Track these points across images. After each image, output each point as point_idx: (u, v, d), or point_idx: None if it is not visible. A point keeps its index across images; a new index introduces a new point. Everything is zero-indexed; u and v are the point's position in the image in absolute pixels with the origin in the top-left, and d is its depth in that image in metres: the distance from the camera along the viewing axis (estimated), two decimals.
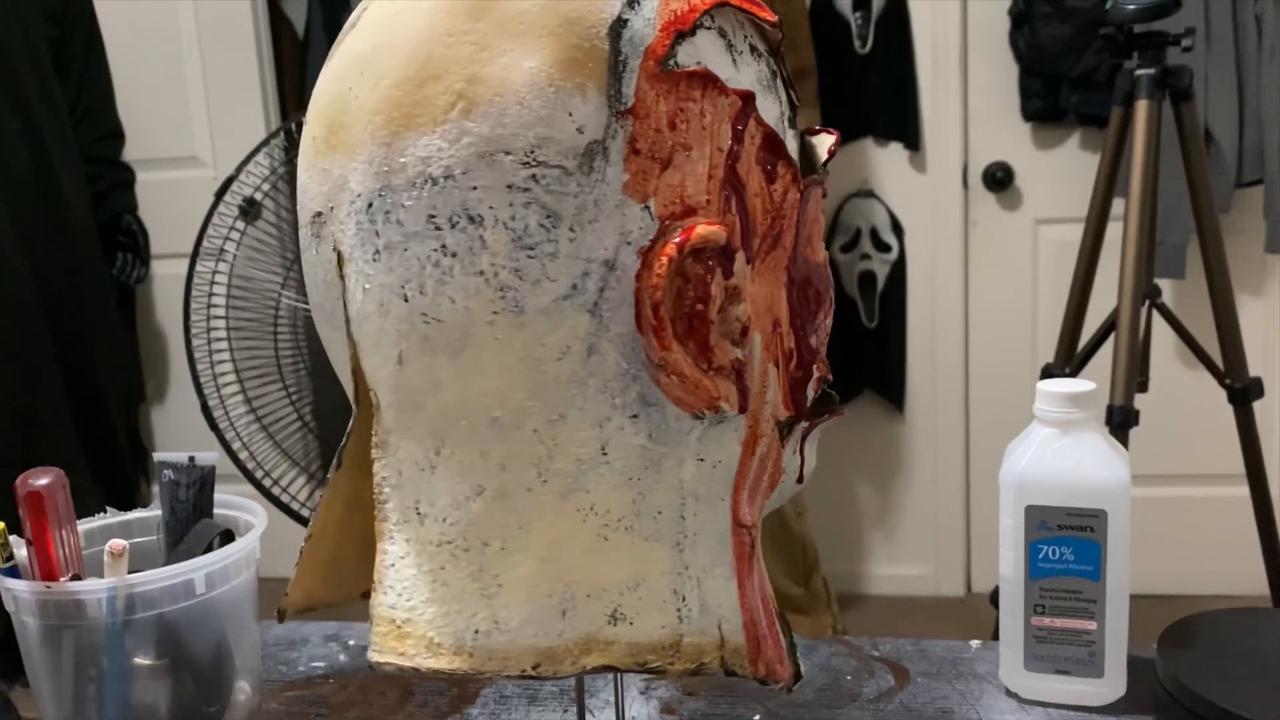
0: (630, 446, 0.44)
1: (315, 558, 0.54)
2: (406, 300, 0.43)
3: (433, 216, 0.42)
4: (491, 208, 0.42)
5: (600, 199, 0.42)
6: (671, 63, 0.43)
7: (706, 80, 0.43)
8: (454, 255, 0.42)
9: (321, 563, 0.54)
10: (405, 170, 0.42)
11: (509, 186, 0.42)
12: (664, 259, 0.42)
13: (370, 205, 0.43)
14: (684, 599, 0.45)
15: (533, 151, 0.41)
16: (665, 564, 0.45)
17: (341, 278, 0.45)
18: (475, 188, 0.42)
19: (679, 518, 0.45)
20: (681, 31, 0.43)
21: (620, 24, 0.42)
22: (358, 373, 0.46)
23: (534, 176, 0.42)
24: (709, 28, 0.45)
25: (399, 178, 0.43)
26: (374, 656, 0.45)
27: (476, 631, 0.44)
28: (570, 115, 0.41)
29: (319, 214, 0.46)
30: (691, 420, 0.44)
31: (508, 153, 0.42)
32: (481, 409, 0.44)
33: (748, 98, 0.44)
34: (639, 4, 0.43)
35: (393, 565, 0.45)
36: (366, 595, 0.55)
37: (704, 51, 0.44)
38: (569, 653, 0.44)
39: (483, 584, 0.44)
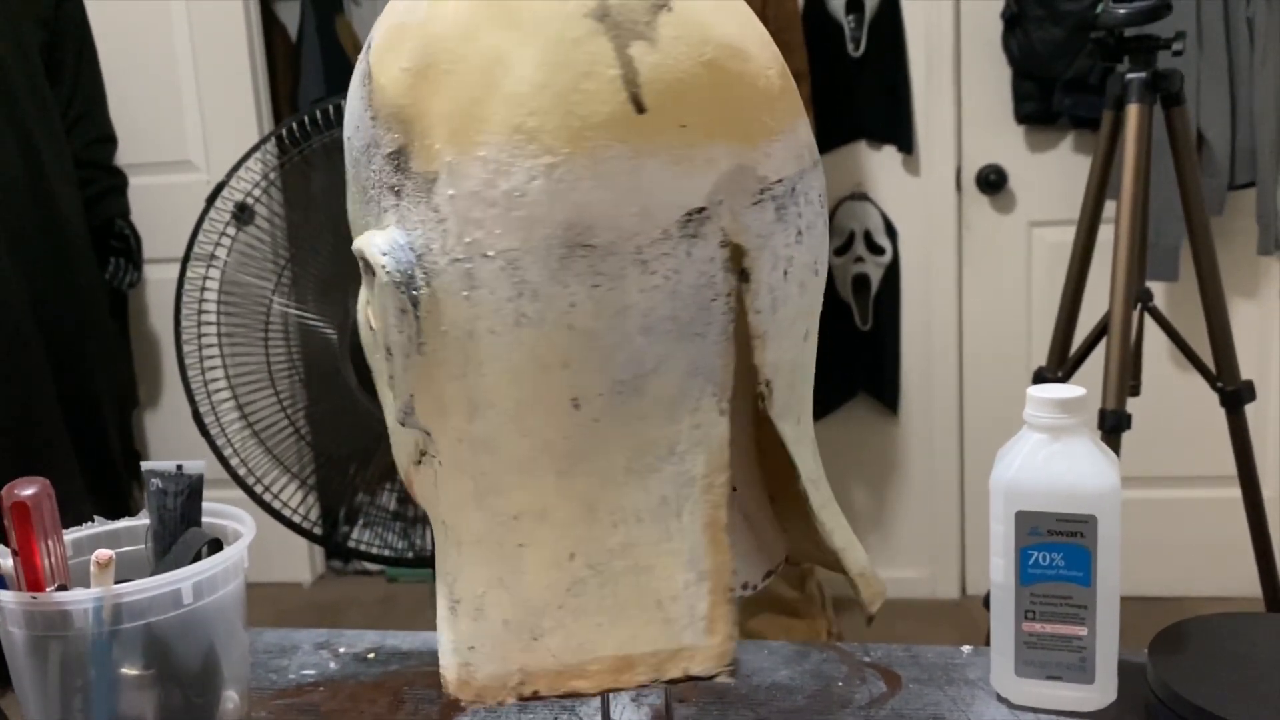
0: None
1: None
2: (816, 274, 0.47)
3: (821, 195, 0.47)
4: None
5: None
6: None
7: None
8: (826, 227, 0.48)
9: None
10: (807, 154, 0.47)
11: None
12: None
13: (794, 189, 0.46)
14: None
15: None
16: None
17: (741, 270, 0.44)
18: (820, 169, 0.48)
19: None
20: None
21: None
22: (741, 373, 0.46)
23: None
24: None
25: (806, 161, 0.47)
26: (873, 609, 0.51)
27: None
28: None
29: (699, 210, 0.43)
30: None
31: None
32: (811, 371, 0.49)
33: None
34: None
35: (849, 535, 0.51)
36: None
37: None
38: None
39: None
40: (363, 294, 0.53)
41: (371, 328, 0.50)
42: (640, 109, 0.42)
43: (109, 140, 2.08)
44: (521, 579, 0.46)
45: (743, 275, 0.44)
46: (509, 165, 0.42)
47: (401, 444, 0.51)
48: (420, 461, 0.49)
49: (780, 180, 0.45)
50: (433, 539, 0.52)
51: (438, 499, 0.48)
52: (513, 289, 0.43)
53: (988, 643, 0.68)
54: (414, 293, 0.44)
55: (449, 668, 0.47)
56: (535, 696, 0.46)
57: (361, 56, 0.48)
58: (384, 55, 0.45)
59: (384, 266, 0.44)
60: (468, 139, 0.42)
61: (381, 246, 0.44)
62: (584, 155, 0.42)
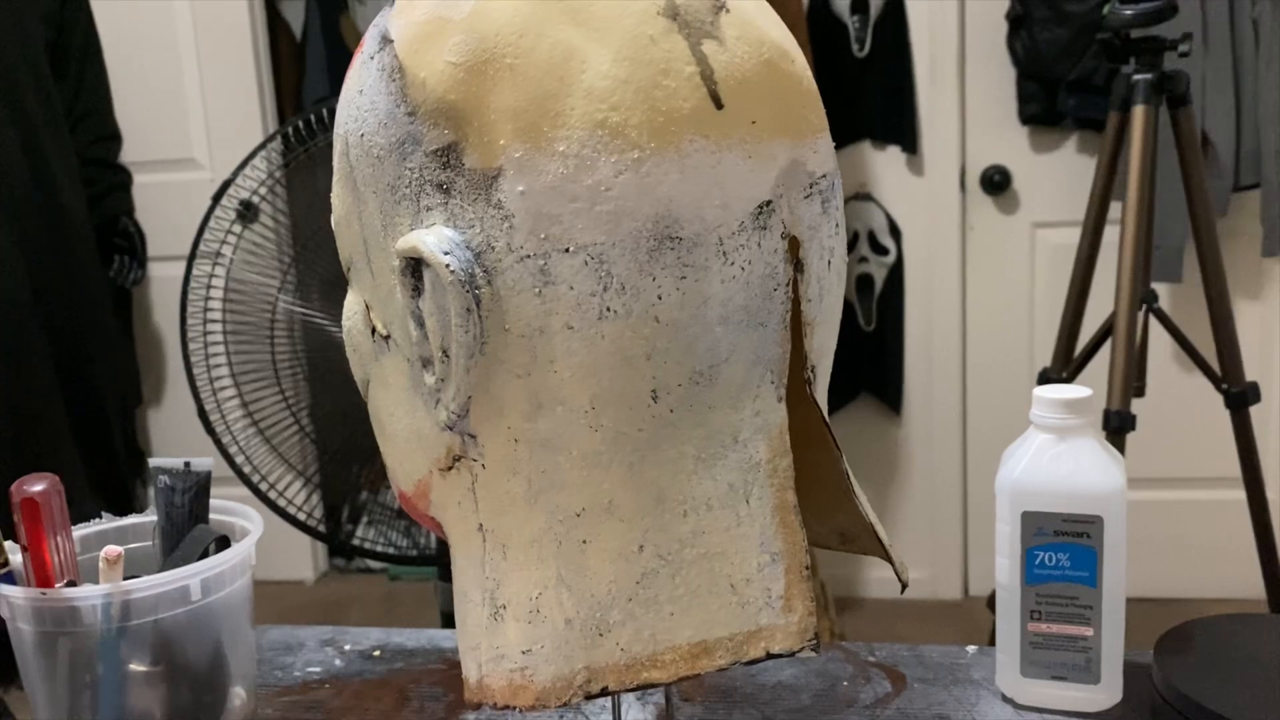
0: None
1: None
2: (844, 261, 0.49)
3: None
4: None
5: None
6: None
7: None
8: None
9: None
10: (834, 153, 0.49)
11: None
12: None
13: (833, 184, 0.48)
14: None
15: None
16: None
17: (796, 261, 0.46)
18: None
19: None
20: None
21: None
22: (796, 359, 0.48)
23: None
24: None
25: (836, 159, 0.49)
26: (907, 578, 0.53)
27: None
28: None
29: (767, 203, 0.45)
30: None
31: None
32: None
33: None
34: None
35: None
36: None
37: None
38: None
39: None
40: (353, 300, 0.51)
41: (385, 336, 0.48)
42: (719, 105, 0.43)
43: (113, 138, 2.08)
44: (585, 575, 0.46)
45: (798, 266, 0.46)
46: (592, 160, 0.42)
47: (418, 452, 0.49)
48: (451, 467, 0.48)
49: (824, 175, 0.47)
50: (439, 542, 0.51)
51: (475, 504, 0.47)
52: (597, 283, 0.43)
53: (992, 643, 0.68)
54: (476, 291, 0.43)
55: (495, 675, 0.46)
56: (604, 693, 0.45)
57: (372, 51, 0.47)
58: (421, 49, 0.44)
59: (447, 265, 0.43)
60: (541, 134, 0.42)
61: (440, 245, 0.43)
62: (670, 149, 0.43)
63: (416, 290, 0.44)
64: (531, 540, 0.46)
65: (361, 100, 0.47)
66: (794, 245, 0.46)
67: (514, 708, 0.46)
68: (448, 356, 0.44)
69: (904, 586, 0.52)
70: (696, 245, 0.43)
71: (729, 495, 0.46)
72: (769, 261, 0.45)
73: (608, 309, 0.43)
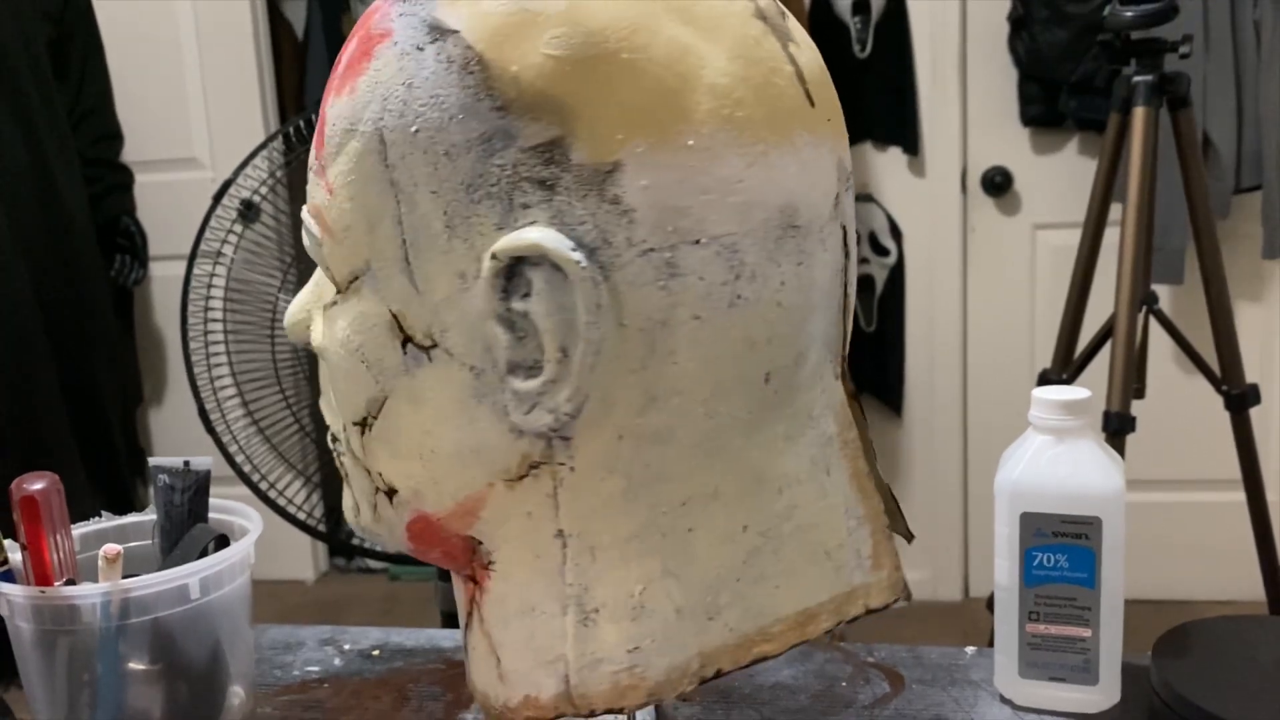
0: None
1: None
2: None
3: None
4: None
5: None
6: None
7: None
8: None
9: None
10: None
11: None
12: None
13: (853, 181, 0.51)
14: None
15: None
16: None
17: (846, 249, 0.49)
18: None
19: None
20: None
21: None
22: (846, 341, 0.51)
23: None
24: None
25: None
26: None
27: None
28: None
29: (838, 194, 0.48)
30: None
31: None
32: None
33: None
34: None
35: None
36: None
37: None
38: None
39: None
40: (367, 313, 0.47)
41: (427, 346, 0.45)
42: (812, 103, 0.46)
43: (115, 137, 2.08)
44: (692, 563, 0.46)
45: (846, 254, 0.49)
46: (721, 153, 0.43)
47: (473, 466, 0.47)
48: (524, 476, 0.46)
49: (852, 172, 0.50)
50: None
51: (554, 510, 0.46)
52: (728, 272, 0.44)
53: (991, 644, 0.68)
54: (600, 287, 0.43)
55: (593, 681, 0.46)
56: (718, 675, 0.46)
57: (419, 42, 0.44)
58: (508, 42, 0.43)
59: (578, 262, 0.42)
60: (666, 128, 0.43)
61: (563, 242, 0.42)
62: (787, 144, 0.45)
63: (507, 292, 0.43)
64: (629, 537, 0.46)
65: (412, 94, 0.44)
66: (844, 234, 0.49)
67: (618, 711, 0.46)
68: (567, 356, 0.43)
69: (910, 538, 0.53)
70: (809, 233, 0.46)
71: (813, 469, 0.48)
72: (837, 248, 0.48)
73: (739, 297, 0.44)
